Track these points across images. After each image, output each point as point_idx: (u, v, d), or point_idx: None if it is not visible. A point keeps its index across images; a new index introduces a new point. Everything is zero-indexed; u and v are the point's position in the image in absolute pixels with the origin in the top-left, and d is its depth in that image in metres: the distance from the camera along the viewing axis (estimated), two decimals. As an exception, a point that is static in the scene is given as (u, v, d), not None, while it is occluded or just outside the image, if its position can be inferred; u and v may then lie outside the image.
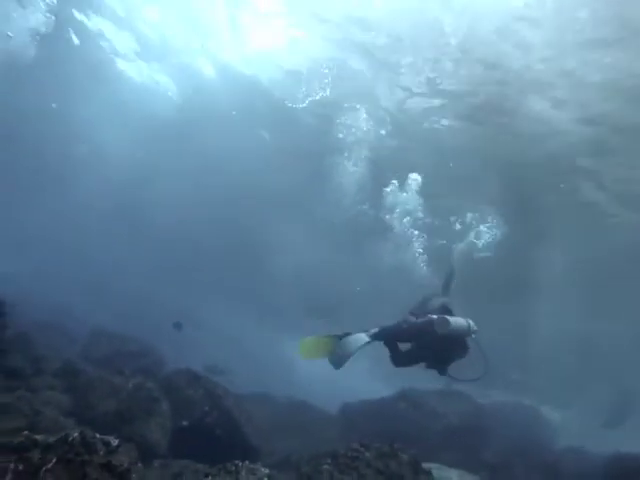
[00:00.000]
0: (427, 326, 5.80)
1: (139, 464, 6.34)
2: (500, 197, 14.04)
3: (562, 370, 23.08)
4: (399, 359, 6.30)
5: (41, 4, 12.48)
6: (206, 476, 5.29)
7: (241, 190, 19.42)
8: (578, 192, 13.88)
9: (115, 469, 3.53)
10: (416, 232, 14.36)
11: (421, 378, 9.46)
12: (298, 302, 24.99)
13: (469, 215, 14.02)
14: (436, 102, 12.79)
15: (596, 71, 10.32)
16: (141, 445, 7.10)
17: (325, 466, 6.29)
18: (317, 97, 13.45)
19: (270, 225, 20.50)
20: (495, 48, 10.68)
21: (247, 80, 14.41)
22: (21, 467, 3.13)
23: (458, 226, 14.29)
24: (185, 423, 8.71)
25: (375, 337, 6.16)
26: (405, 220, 14.22)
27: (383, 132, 13.89)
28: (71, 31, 14.39)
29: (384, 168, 14.37)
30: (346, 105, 13.37)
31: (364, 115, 13.30)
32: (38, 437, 3.43)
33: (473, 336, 5.86)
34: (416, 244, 14.47)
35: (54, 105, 17.92)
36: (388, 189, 13.95)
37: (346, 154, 13.96)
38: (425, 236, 14.43)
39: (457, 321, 5.71)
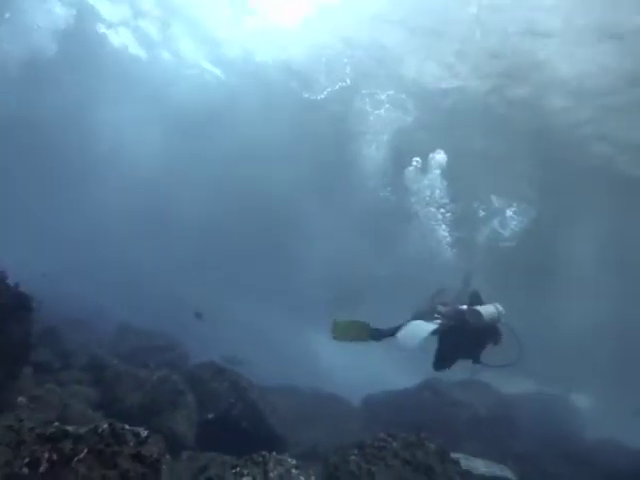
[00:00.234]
0: (459, 318, 5.73)
1: (167, 456, 6.43)
2: (528, 177, 13.64)
3: (593, 357, 22.59)
4: (442, 363, 6.24)
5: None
6: (233, 467, 5.31)
7: (265, 180, 19.41)
8: (612, 168, 13.42)
9: (145, 459, 3.55)
10: (440, 216, 14.00)
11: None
12: (323, 292, 24.97)
13: (494, 198, 13.69)
14: (459, 80, 12.47)
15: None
16: (168, 437, 7.19)
17: (352, 456, 6.27)
18: (337, 87, 13.30)
19: (293, 215, 20.49)
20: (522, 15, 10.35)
21: (268, 68, 14.31)
22: (54, 457, 3.17)
23: (482, 212, 13.97)
24: (211, 415, 8.77)
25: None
26: (428, 201, 13.84)
27: (407, 117, 13.60)
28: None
29: (406, 151, 14.02)
30: (364, 91, 13.16)
31: (385, 96, 13.07)
32: (69, 428, 3.47)
33: (503, 320, 5.78)
34: (440, 228, 14.13)
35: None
36: (411, 168, 13.56)
37: (369, 136, 13.76)
38: (449, 214, 13.97)
39: (487, 309, 5.64)
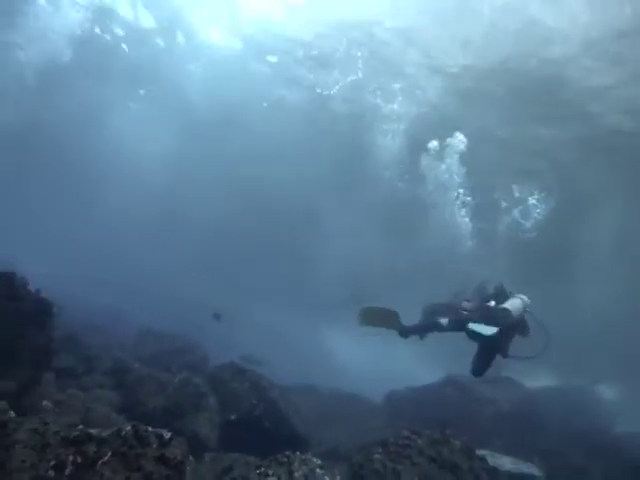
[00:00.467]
0: (488, 316, 5.62)
1: (190, 457, 6.43)
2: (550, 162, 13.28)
3: (619, 347, 22.06)
4: (482, 367, 6.13)
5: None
6: (258, 468, 5.28)
7: (280, 179, 19.44)
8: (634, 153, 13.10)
9: (169, 461, 3.54)
10: (458, 202, 13.71)
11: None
12: (340, 290, 24.88)
13: (515, 187, 13.39)
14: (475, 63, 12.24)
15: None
16: (191, 439, 7.17)
17: (376, 455, 6.19)
18: (348, 79, 13.17)
19: (309, 214, 20.44)
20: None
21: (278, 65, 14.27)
22: (79, 460, 3.16)
23: (504, 203, 13.64)
24: (233, 417, 8.76)
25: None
26: (447, 186, 13.64)
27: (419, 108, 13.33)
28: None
29: (423, 140, 13.81)
30: (375, 84, 12.95)
31: (398, 86, 12.89)
32: (92, 431, 3.47)
33: (528, 310, 5.66)
34: (460, 218, 13.87)
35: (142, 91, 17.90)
36: (429, 152, 13.30)
37: (385, 126, 13.57)
38: (469, 197, 13.67)
39: (514, 305, 5.53)
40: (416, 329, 6.48)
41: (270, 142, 17.43)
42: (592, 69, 11.36)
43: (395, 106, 13.31)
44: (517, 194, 13.42)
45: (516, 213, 13.44)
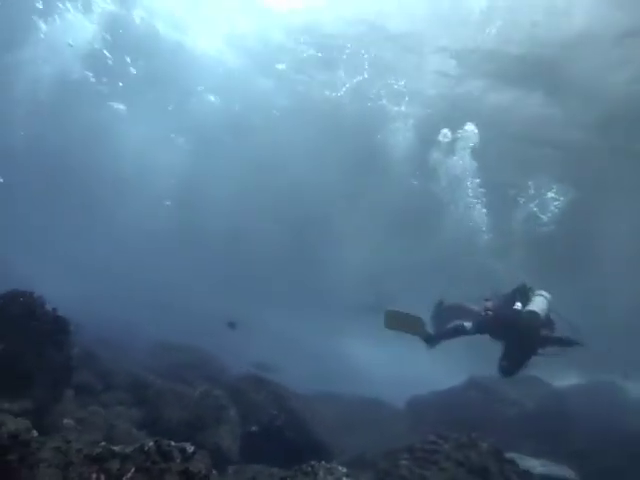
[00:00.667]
0: (515, 318, 5.49)
1: (214, 471, 6.34)
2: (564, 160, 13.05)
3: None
4: (512, 369, 6.01)
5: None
6: (282, 479, 5.16)
7: (294, 185, 19.41)
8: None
9: (193, 476, 3.47)
10: (470, 192, 13.49)
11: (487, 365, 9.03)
12: (356, 296, 24.70)
13: (530, 184, 13.14)
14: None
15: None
16: (213, 452, 7.10)
17: (403, 461, 6.06)
18: (355, 80, 13.13)
19: (324, 219, 20.38)
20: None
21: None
22: (103, 477, 3.10)
23: (521, 199, 13.37)
24: (254, 428, 8.68)
25: None
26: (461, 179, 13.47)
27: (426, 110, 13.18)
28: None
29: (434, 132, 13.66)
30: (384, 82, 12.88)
31: (403, 83, 12.81)
32: (115, 448, 3.41)
33: (553, 306, 5.53)
34: (475, 215, 13.63)
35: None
36: (440, 143, 13.17)
37: (397, 124, 13.47)
38: (483, 189, 13.42)
39: (539, 305, 5.40)
40: (442, 335, 6.36)
41: (282, 149, 17.45)
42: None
43: (402, 108, 13.22)
44: (532, 190, 13.19)
45: (533, 207, 13.19)
